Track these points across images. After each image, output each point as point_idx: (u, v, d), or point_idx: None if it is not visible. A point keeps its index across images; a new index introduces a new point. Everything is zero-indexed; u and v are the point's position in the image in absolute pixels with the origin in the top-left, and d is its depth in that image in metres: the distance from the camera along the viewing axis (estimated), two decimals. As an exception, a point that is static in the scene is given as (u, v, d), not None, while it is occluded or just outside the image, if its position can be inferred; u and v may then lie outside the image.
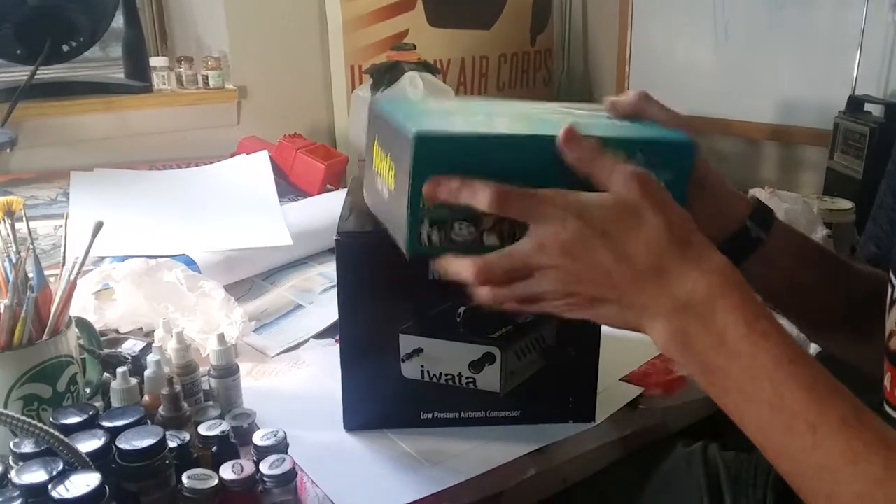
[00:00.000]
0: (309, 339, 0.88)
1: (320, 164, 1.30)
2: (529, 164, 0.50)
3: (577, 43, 2.00)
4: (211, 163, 1.32)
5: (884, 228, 0.69)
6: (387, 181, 0.56)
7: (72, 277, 0.64)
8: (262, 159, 1.28)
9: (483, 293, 0.52)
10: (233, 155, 1.34)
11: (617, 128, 0.57)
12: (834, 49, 1.43)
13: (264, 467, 0.55)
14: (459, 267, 0.51)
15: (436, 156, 0.49)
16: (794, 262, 0.65)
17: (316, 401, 0.74)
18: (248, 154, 1.31)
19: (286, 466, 0.56)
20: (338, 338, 0.86)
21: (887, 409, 0.60)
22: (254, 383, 0.78)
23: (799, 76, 1.51)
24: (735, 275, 0.48)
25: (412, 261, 0.53)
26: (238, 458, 0.58)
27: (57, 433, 0.51)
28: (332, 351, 0.85)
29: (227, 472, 0.55)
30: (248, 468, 0.55)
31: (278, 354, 0.85)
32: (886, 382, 0.58)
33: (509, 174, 0.49)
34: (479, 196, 0.48)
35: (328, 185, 1.31)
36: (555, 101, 0.61)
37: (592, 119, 0.58)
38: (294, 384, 0.79)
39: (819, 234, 1.05)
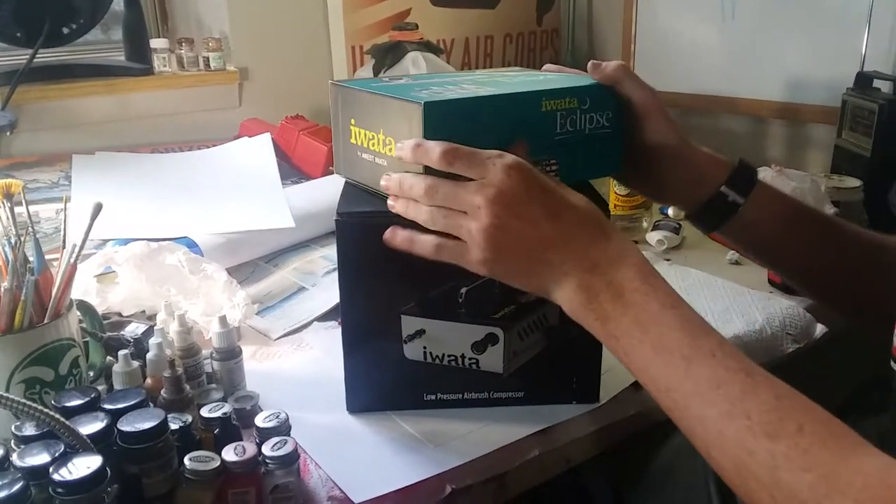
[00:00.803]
0: (312, 321, 0.88)
1: (323, 146, 1.29)
2: (513, 118, 0.61)
3: (581, 22, 1.97)
4: (213, 145, 1.32)
5: None
6: (380, 150, 0.62)
7: (72, 260, 0.64)
8: (264, 142, 1.27)
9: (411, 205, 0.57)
10: (235, 137, 1.34)
11: (567, 80, 0.67)
12: (842, 25, 1.40)
13: (266, 449, 0.55)
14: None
15: (441, 119, 0.57)
16: (777, 224, 0.68)
17: (319, 383, 0.74)
18: (250, 137, 1.30)
19: (288, 448, 0.55)
20: (341, 320, 0.86)
21: (894, 366, 0.61)
22: (257, 366, 0.78)
23: (806, 53, 1.49)
24: (636, 249, 0.55)
25: None
26: (240, 440, 0.58)
27: (58, 416, 0.51)
28: (335, 333, 0.85)
29: (230, 453, 0.54)
30: (251, 450, 0.55)
31: (281, 337, 0.85)
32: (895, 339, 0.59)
33: (498, 129, 0.59)
34: (431, 154, 0.55)
35: (330, 168, 1.30)
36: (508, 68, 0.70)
37: (543, 77, 0.70)
38: (297, 366, 0.79)
39: (827, 212, 1.04)
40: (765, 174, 1.11)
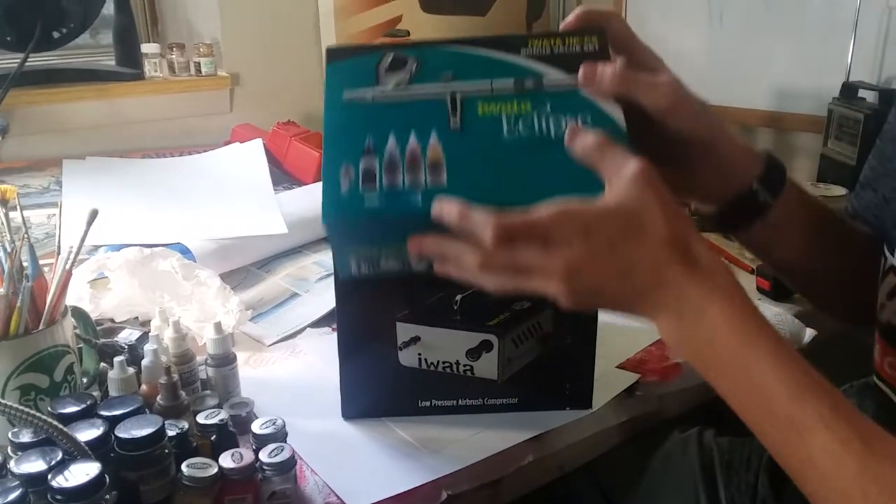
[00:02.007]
0: (305, 327, 0.88)
1: (315, 151, 1.29)
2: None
3: (571, 29, 1.99)
4: (204, 151, 1.31)
5: (886, 196, 0.65)
6: None
7: (67, 266, 0.64)
8: (256, 148, 1.27)
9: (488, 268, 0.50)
10: (227, 143, 1.34)
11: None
12: (828, 35, 1.43)
13: (263, 455, 0.56)
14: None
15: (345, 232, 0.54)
16: (801, 228, 0.62)
17: (313, 389, 0.75)
18: (242, 143, 1.30)
19: (285, 455, 0.56)
20: (334, 326, 0.86)
21: (875, 380, 0.61)
22: (251, 372, 0.78)
23: (793, 62, 1.51)
24: (730, 287, 0.48)
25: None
26: (237, 446, 0.58)
27: (56, 423, 0.51)
28: (328, 339, 0.85)
29: (227, 460, 0.55)
30: (248, 456, 0.55)
31: (275, 343, 0.85)
32: (876, 355, 0.59)
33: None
34: (485, 232, 0.48)
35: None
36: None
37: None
38: (291, 373, 0.79)
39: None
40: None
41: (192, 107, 1.49)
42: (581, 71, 0.55)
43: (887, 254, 0.58)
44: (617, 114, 0.54)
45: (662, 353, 0.81)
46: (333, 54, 0.59)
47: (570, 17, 0.58)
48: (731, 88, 1.60)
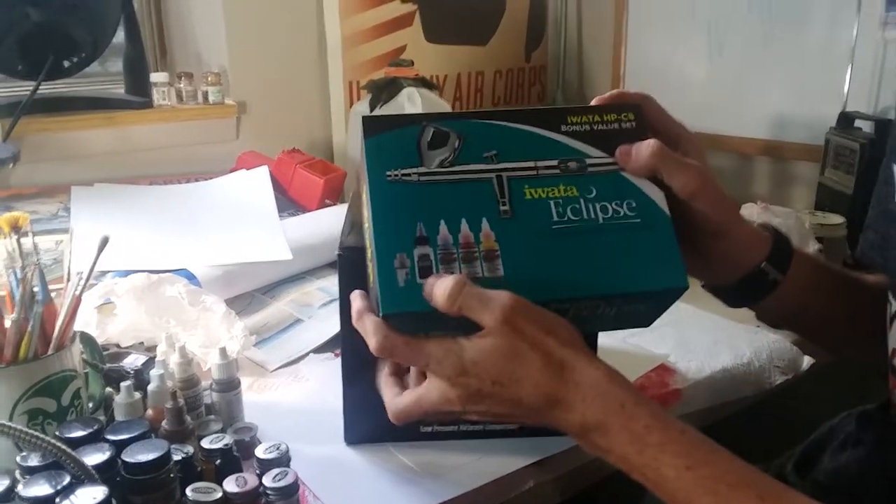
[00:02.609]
0: (308, 353, 0.89)
1: (319, 178, 1.31)
2: None
3: (571, 58, 2.02)
4: (211, 178, 1.33)
5: (885, 238, 0.67)
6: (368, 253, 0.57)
7: (76, 292, 0.65)
8: (261, 175, 1.29)
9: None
10: (233, 170, 1.36)
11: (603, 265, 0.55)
12: (825, 66, 1.45)
13: (267, 480, 0.56)
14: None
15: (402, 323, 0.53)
16: (808, 291, 0.64)
17: (316, 414, 0.75)
18: (247, 169, 1.32)
19: (289, 479, 0.56)
20: (337, 352, 0.88)
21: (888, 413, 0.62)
22: (255, 397, 0.79)
23: (791, 92, 1.53)
24: (613, 389, 0.49)
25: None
26: (241, 471, 0.59)
27: (64, 447, 0.52)
28: (331, 365, 0.86)
29: (231, 485, 0.55)
30: (252, 481, 0.56)
31: (278, 368, 0.86)
32: (894, 398, 0.60)
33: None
34: (370, 340, 0.52)
35: (326, 201, 1.32)
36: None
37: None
38: (294, 398, 0.80)
39: (811, 248, 1.06)
40: (750, 210, 1.13)
41: (200, 134, 1.51)
42: (619, 150, 0.57)
43: (891, 299, 0.59)
44: (660, 199, 0.56)
45: (662, 379, 0.82)
46: (371, 127, 0.57)
47: (606, 95, 0.60)
48: (730, 117, 1.62)
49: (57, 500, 0.49)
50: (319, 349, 0.90)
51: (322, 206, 1.30)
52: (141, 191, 1.29)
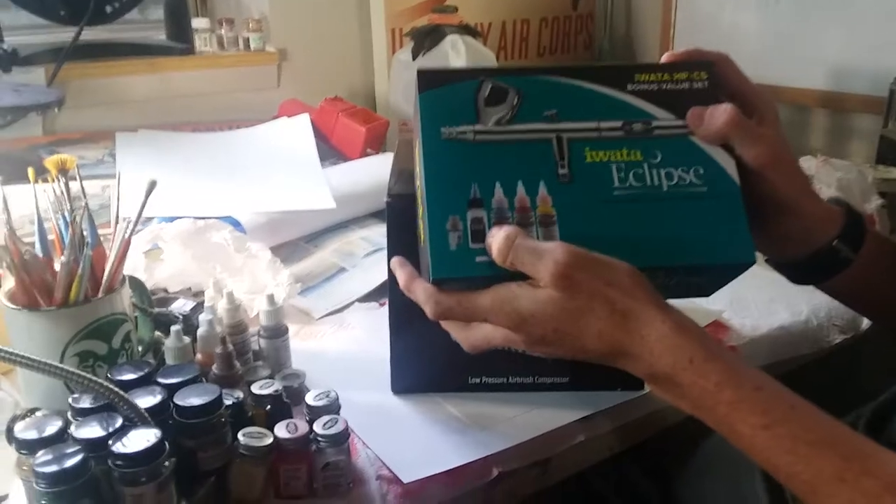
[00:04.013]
0: (353, 301, 0.88)
1: (361, 127, 1.29)
2: None
3: (619, 6, 1.95)
4: (253, 125, 1.32)
5: None
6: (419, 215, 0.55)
7: (126, 235, 0.65)
8: (303, 122, 1.27)
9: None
10: (274, 118, 1.34)
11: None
12: (888, 13, 1.37)
13: (318, 427, 0.56)
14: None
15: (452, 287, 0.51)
16: (882, 275, 0.61)
17: (362, 363, 0.75)
18: (289, 117, 1.31)
19: (339, 427, 0.56)
20: (382, 301, 0.87)
21: None
22: (300, 345, 0.79)
23: (851, 42, 1.46)
24: (681, 341, 0.46)
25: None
26: (291, 417, 0.59)
27: (118, 389, 0.52)
28: (376, 314, 0.85)
29: (282, 430, 0.55)
30: (303, 428, 0.56)
31: (324, 317, 0.86)
32: None
33: None
34: (424, 307, 0.52)
35: (368, 150, 1.30)
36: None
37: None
38: (340, 346, 0.80)
39: (873, 203, 1.02)
40: (809, 164, 1.09)
41: (241, 81, 1.50)
42: (690, 113, 0.54)
43: None
44: (730, 167, 0.53)
45: (717, 336, 0.79)
46: (427, 80, 0.54)
47: (679, 52, 0.56)
48: (785, 68, 1.55)
49: (110, 441, 0.49)
50: (364, 298, 0.89)
51: (364, 155, 1.28)
52: (184, 137, 1.29)
